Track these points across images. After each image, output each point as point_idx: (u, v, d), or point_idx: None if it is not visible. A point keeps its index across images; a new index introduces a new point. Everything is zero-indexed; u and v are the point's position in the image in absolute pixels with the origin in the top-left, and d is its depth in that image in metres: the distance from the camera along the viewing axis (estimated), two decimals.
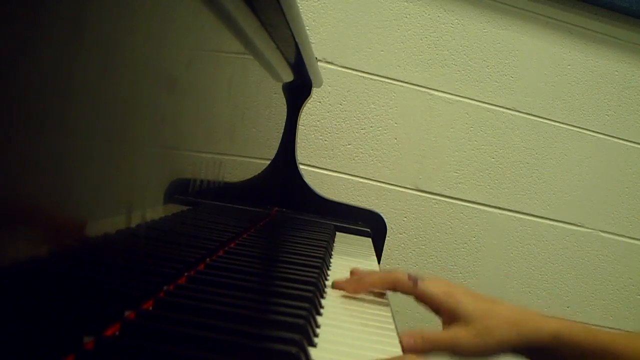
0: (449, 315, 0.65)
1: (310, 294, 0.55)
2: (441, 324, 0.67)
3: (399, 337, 0.60)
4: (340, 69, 1.44)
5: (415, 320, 1.49)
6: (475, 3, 1.47)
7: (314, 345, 0.46)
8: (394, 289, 0.68)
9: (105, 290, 0.41)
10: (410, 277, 0.67)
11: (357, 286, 0.67)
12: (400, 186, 1.48)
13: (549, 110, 1.52)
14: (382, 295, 0.68)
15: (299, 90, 1.17)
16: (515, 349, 0.64)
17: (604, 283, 1.58)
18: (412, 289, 0.66)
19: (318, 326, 0.50)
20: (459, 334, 0.64)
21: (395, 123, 1.47)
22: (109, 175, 0.39)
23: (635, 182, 1.57)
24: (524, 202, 1.53)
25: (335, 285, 0.68)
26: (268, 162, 1.07)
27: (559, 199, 1.55)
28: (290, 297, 0.54)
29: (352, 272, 0.71)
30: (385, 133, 1.47)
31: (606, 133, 1.54)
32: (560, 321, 0.66)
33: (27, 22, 0.26)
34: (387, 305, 0.65)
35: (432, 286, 0.66)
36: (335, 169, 1.46)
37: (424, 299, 0.66)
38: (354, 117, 1.45)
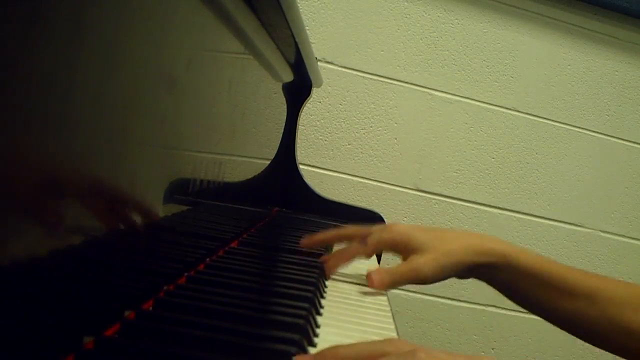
0: (405, 251, 0.69)
1: (310, 294, 0.55)
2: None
3: (366, 275, 0.66)
4: (340, 69, 1.44)
5: (416, 319, 1.48)
6: (475, 3, 1.47)
7: (314, 345, 0.46)
8: (348, 244, 0.73)
9: (105, 290, 0.41)
10: (360, 240, 0.71)
11: (308, 242, 0.74)
12: (400, 186, 1.48)
13: (549, 110, 1.52)
14: (382, 295, 0.68)
15: (299, 90, 1.17)
16: (469, 268, 0.69)
17: None
18: (363, 249, 0.70)
19: (318, 326, 0.50)
20: (418, 261, 0.67)
21: (395, 123, 1.47)
22: (109, 175, 0.39)
23: (635, 182, 1.57)
24: (524, 202, 1.53)
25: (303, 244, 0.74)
26: (268, 162, 1.07)
27: (559, 199, 1.55)
28: (290, 297, 0.54)
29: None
30: (385, 133, 1.47)
31: (606, 133, 1.54)
32: (515, 247, 0.70)
33: (27, 22, 0.26)
34: (387, 305, 0.65)
35: (379, 235, 0.70)
36: (335, 169, 1.46)
37: (379, 250, 0.72)
38: (354, 117, 1.45)
